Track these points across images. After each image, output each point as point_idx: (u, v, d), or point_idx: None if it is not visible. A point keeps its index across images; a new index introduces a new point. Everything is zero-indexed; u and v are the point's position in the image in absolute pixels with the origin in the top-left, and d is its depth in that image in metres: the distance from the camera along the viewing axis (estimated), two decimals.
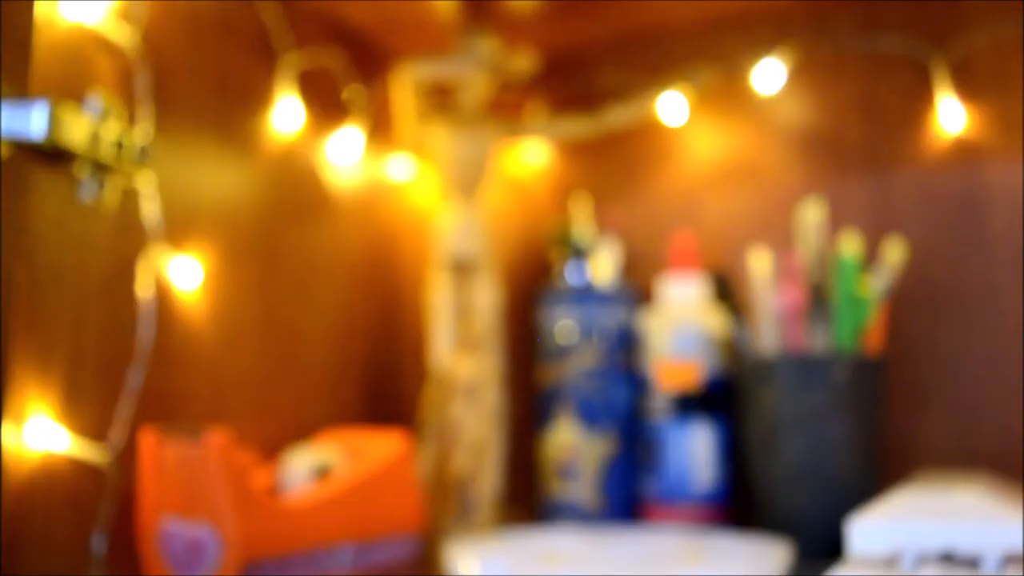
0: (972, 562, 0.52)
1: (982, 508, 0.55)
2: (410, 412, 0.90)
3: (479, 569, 0.62)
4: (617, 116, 0.89)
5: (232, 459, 0.59)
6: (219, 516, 0.58)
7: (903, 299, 0.82)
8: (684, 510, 0.80)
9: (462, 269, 0.86)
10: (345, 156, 0.88)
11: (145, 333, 0.65)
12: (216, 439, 0.58)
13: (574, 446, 0.84)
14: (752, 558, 0.61)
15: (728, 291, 0.81)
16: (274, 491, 0.70)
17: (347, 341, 0.88)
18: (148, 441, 0.61)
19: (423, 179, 0.96)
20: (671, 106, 0.89)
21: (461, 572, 0.63)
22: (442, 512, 0.81)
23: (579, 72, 0.97)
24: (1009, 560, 0.52)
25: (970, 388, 0.81)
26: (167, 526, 0.61)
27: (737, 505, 0.82)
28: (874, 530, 0.56)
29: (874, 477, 0.74)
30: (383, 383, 0.93)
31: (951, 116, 0.82)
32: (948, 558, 0.53)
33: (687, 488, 0.80)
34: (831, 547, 0.71)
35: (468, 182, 0.87)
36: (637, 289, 0.88)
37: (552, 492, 0.85)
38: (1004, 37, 0.82)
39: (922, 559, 0.53)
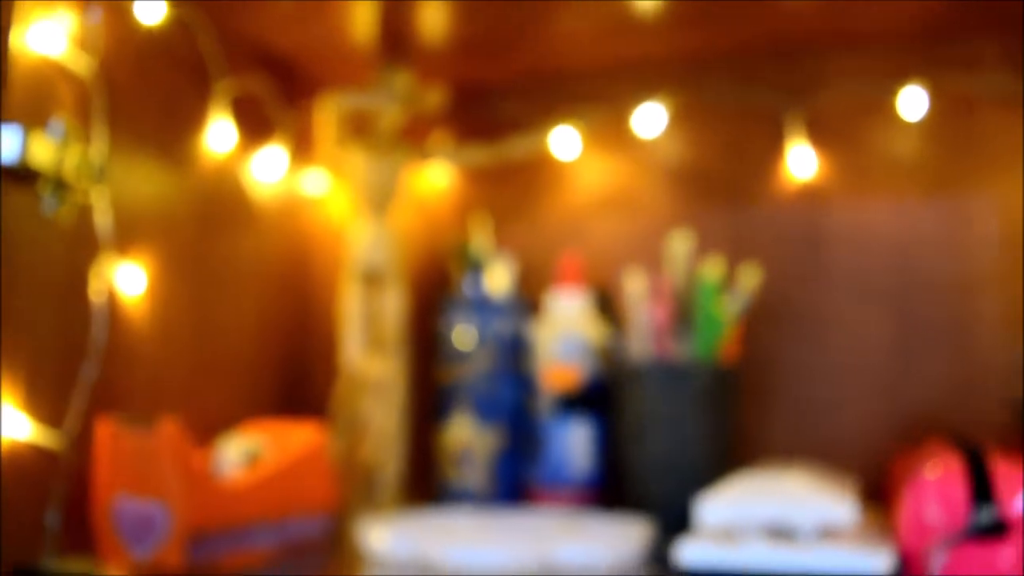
0: (792, 533, 0.65)
1: (804, 489, 0.68)
2: (322, 405, 1.00)
3: (385, 543, 0.73)
4: (516, 147, 1.01)
5: (181, 446, 0.68)
6: (169, 494, 0.67)
7: (755, 317, 0.96)
8: (564, 494, 0.92)
9: (372, 279, 0.96)
10: (269, 173, 0.97)
11: (98, 332, 0.74)
12: (167, 428, 0.67)
13: (469, 438, 0.95)
14: (620, 533, 0.73)
15: (607, 305, 0.94)
16: (210, 474, 0.79)
17: (266, 341, 0.98)
18: (104, 430, 0.70)
19: (339, 196, 1.05)
20: (564, 140, 1.01)
21: (369, 546, 0.73)
22: (352, 494, 0.91)
23: (484, 106, 1.08)
24: (825, 532, 0.66)
25: (809, 393, 0.96)
26: (120, 504, 0.69)
27: (609, 490, 0.94)
28: (716, 507, 0.68)
29: (725, 466, 0.86)
30: (298, 379, 1.03)
31: (802, 162, 0.97)
32: (776, 530, 0.66)
33: (566, 475, 0.92)
34: (686, 523, 0.83)
35: (379, 200, 0.97)
36: (528, 301, 1.00)
37: (449, 478, 0.96)
38: (854, 97, 0.96)
39: (754, 530, 0.66)
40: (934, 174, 0.95)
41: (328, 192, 1.06)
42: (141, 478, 0.69)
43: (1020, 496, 0.62)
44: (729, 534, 0.66)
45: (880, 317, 0.95)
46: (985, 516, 0.62)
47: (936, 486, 0.64)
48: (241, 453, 0.78)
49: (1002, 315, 0.91)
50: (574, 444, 0.93)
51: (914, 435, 0.91)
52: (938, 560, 0.63)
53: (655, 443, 0.87)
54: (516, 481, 0.95)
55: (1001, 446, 0.77)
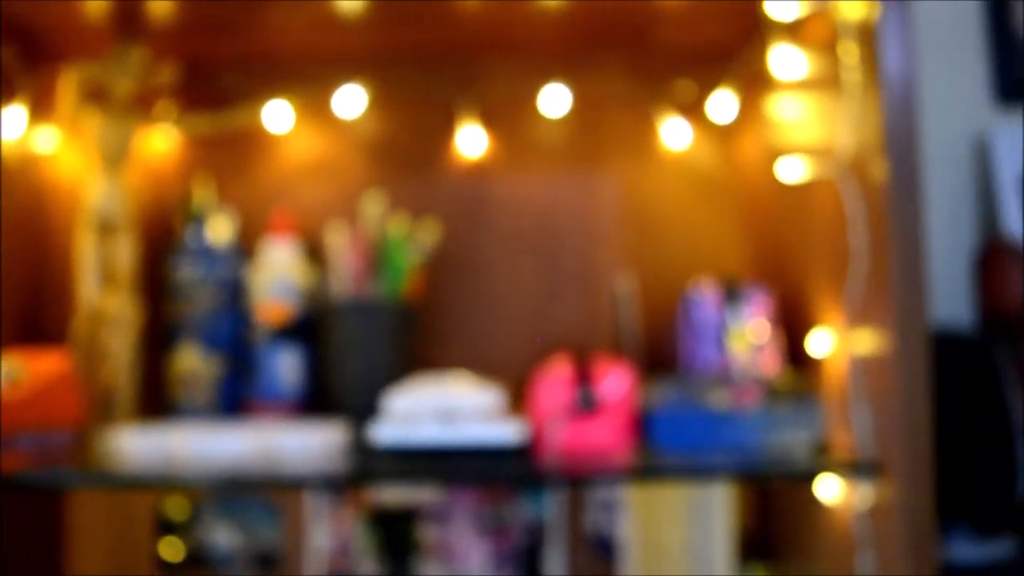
0: (453, 415, 0.90)
1: (462, 386, 0.93)
2: (62, 337, 1.13)
3: (129, 444, 0.90)
4: (235, 118, 1.19)
5: None
6: None
7: (433, 265, 1.20)
8: (277, 407, 1.12)
9: (105, 228, 1.11)
10: (10, 132, 1.09)
11: None
12: None
13: (195, 365, 1.13)
14: (328, 429, 0.95)
15: (313, 253, 1.14)
16: None
17: (8, 281, 1.10)
18: None
19: (76, 155, 1.18)
20: (278, 114, 1.20)
21: (112, 452, 0.90)
22: (93, 412, 1.07)
23: (208, 80, 1.24)
24: (476, 415, 0.91)
25: (475, 325, 1.21)
26: None
27: (315, 404, 1.15)
28: (400, 400, 0.92)
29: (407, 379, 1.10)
30: (40, 315, 1.16)
31: (472, 143, 1.21)
32: (442, 413, 0.90)
33: (279, 392, 1.12)
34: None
35: (113, 159, 1.11)
36: (246, 249, 1.18)
37: (177, 399, 1.13)
38: (512, 92, 1.22)
39: (427, 414, 0.90)
40: (572, 156, 1.23)
41: (65, 150, 1.19)
42: None
43: (607, 381, 0.90)
44: (409, 418, 0.90)
45: (529, 266, 1.22)
46: (584, 396, 0.90)
47: (552, 377, 0.91)
48: (8, 371, 0.92)
49: (617, 263, 1.21)
50: (285, 368, 1.13)
51: (553, 354, 1.20)
52: (555, 431, 0.90)
53: (352, 365, 1.09)
54: (236, 400, 1.14)
55: (607, 354, 1.06)
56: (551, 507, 1.20)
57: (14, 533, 1.10)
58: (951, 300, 1.27)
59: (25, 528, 1.13)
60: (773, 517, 1.15)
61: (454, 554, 1.20)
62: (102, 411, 1.07)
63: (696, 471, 0.83)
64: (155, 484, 0.84)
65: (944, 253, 1.30)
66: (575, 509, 1.20)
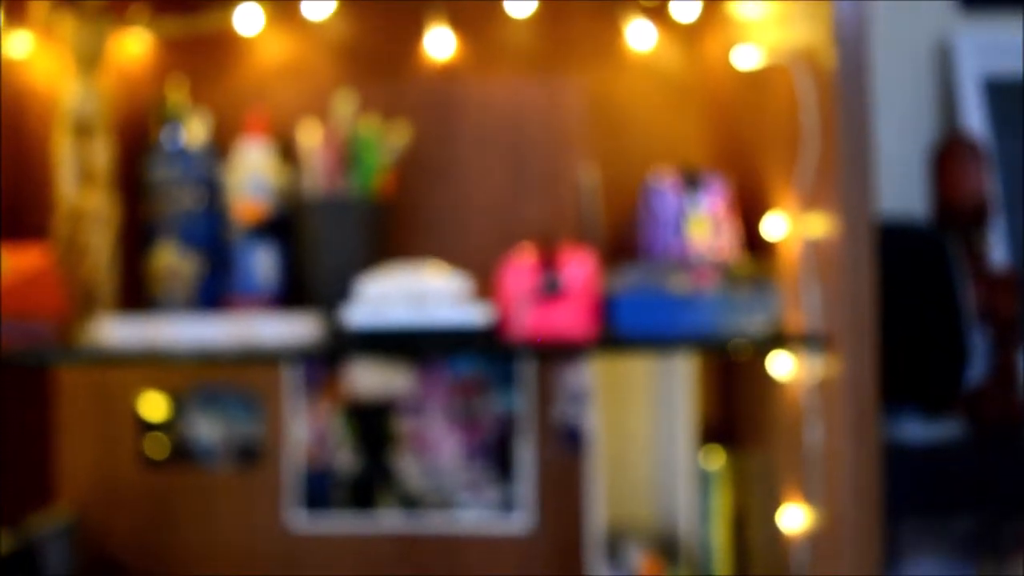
0: (424, 298, 0.93)
1: (432, 272, 0.96)
2: (42, 234, 1.16)
3: (113, 333, 0.93)
4: (206, 21, 1.20)
5: None
6: None
7: (404, 165, 1.23)
8: (254, 301, 1.15)
9: (82, 129, 1.13)
10: None
11: None
12: None
13: (173, 263, 1.16)
14: (304, 317, 0.98)
15: (287, 152, 1.17)
16: None
17: None
18: None
19: (51, 59, 1.20)
20: (248, 15, 1.21)
21: (95, 340, 0.94)
22: (75, 307, 1.10)
23: None
24: (446, 298, 0.94)
25: (446, 222, 1.25)
26: None
27: (292, 297, 1.18)
28: (371, 285, 0.95)
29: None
30: (21, 214, 1.18)
31: (441, 46, 1.23)
32: (413, 296, 0.94)
33: (256, 287, 1.15)
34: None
35: (87, 62, 1.13)
36: (221, 149, 1.21)
37: (156, 295, 1.16)
38: None
39: (398, 298, 0.94)
40: (539, 57, 1.25)
41: (39, 54, 1.20)
42: None
43: (571, 267, 0.94)
44: (380, 302, 0.93)
45: (497, 165, 1.25)
46: (548, 281, 0.93)
47: (518, 264, 0.95)
48: None
49: (581, 158, 1.24)
50: (261, 264, 1.16)
51: (519, 247, 1.23)
52: (521, 314, 0.94)
53: (326, 260, 1.12)
54: (214, 297, 1.17)
55: (572, 244, 1.09)
56: (521, 399, 1.24)
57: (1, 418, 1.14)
58: (907, 195, 1.31)
59: (13, 418, 1.17)
60: (732, 404, 1.20)
61: (427, 445, 1.25)
62: (83, 306, 1.10)
63: (659, 344, 0.88)
64: (137, 361, 0.88)
65: (903, 149, 1.34)
66: (544, 401, 1.25)
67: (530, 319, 0.94)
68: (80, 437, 1.26)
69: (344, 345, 0.90)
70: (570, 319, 0.95)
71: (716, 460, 1.14)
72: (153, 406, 1.26)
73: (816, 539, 0.91)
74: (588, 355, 0.91)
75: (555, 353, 0.88)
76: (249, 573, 1.25)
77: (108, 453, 1.27)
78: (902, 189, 1.32)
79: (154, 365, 1.25)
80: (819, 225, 0.89)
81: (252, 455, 1.26)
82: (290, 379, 1.25)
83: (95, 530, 1.26)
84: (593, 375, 1.14)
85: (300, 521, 1.25)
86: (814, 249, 0.90)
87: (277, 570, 1.25)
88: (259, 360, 0.87)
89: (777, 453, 1.02)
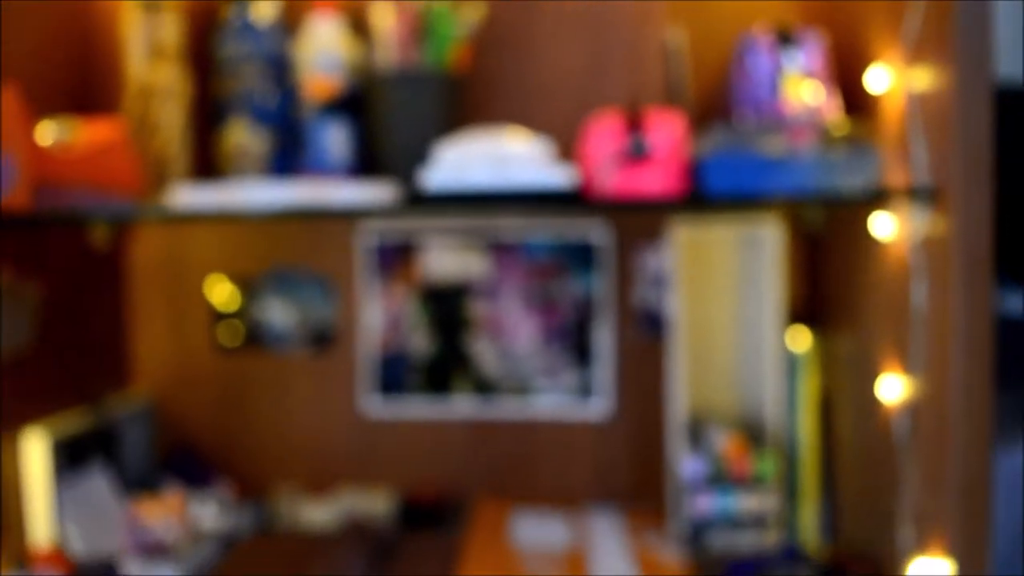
0: (507, 160, 0.90)
1: (514, 136, 0.93)
2: (114, 112, 1.15)
3: (189, 197, 0.91)
4: None
5: (24, 108, 0.83)
6: (19, 146, 0.82)
7: (481, 40, 1.18)
8: (329, 175, 1.12)
9: (150, 5, 1.10)
10: None
11: None
12: (11, 90, 0.82)
13: (244, 141, 1.14)
14: (380, 184, 0.95)
15: (359, 27, 1.13)
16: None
17: (60, 60, 1.10)
18: None
19: None
20: None
21: (177, 202, 0.92)
22: (148, 181, 1.08)
23: None
24: (529, 160, 0.91)
25: (524, 96, 1.20)
26: None
27: (365, 175, 1.15)
28: (451, 150, 0.92)
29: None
30: (92, 91, 1.17)
31: None
32: (495, 158, 0.90)
33: (328, 164, 1.13)
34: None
35: None
36: (292, 25, 1.17)
37: (229, 172, 1.14)
38: None
39: (479, 159, 0.90)
40: None
41: None
42: None
43: (658, 129, 0.90)
44: (460, 166, 0.90)
45: (579, 34, 1.19)
46: (635, 144, 0.89)
47: (604, 127, 0.91)
48: (59, 130, 0.93)
49: (666, 26, 1.18)
50: (334, 141, 1.13)
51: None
52: (606, 176, 0.90)
53: (399, 136, 1.08)
54: (286, 174, 1.15)
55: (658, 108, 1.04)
56: (599, 282, 1.21)
57: (76, 281, 1.14)
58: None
59: (92, 301, 1.17)
60: (820, 282, 1.15)
61: (503, 329, 1.22)
62: (156, 181, 1.08)
63: (751, 201, 0.84)
64: (212, 219, 0.86)
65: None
66: (623, 284, 1.21)
67: (615, 182, 0.90)
68: (155, 323, 1.26)
69: (422, 204, 0.88)
70: (657, 181, 0.90)
71: (803, 342, 1.10)
72: (226, 292, 1.25)
73: (919, 412, 0.87)
74: (675, 210, 0.87)
75: (642, 208, 0.84)
76: (323, 458, 1.24)
77: (183, 338, 1.26)
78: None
79: (227, 224, 1.23)
80: (928, 78, 0.83)
81: (326, 340, 1.24)
82: (364, 263, 1.22)
83: (171, 414, 1.26)
84: (674, 256, 1.10)
85: (374, 406, 1.24)
86: (921, 103, 0.85)
87: (351, 455, 1.24)
88: (334, 216, 0.85)
89: (873, 325, 0.97)
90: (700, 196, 0.88)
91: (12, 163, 0.83)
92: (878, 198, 0.86)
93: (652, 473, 1.19)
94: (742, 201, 0.86)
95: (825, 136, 0.89)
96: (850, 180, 0.89)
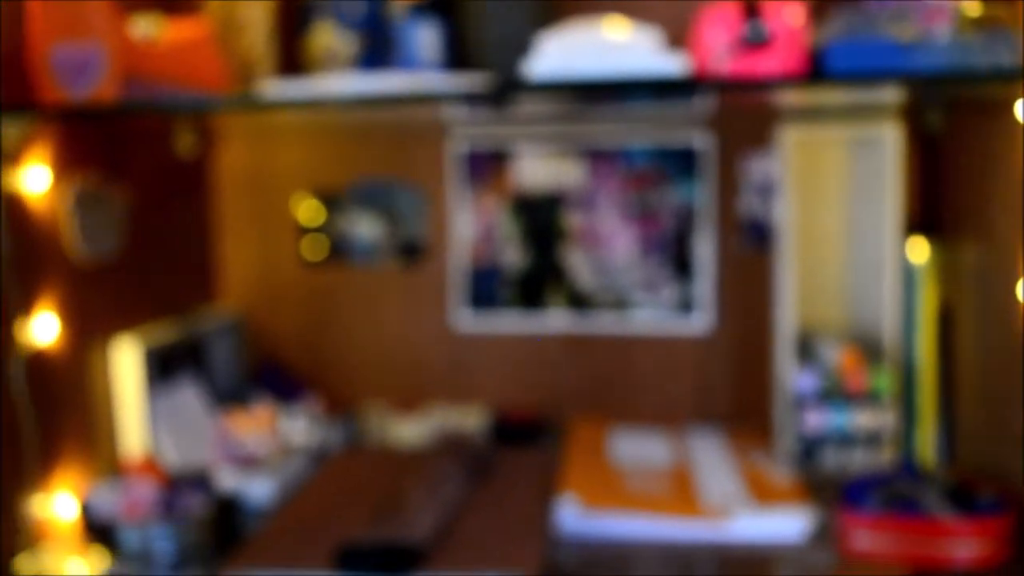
0: (610, 49, 0.84)
1: (618, 18, 0.87)
2: (200, 8, 1.11)
3: (280, 89, 0.87)
4: None
5: (113, 2, 0.79)
6: (107, 37, 0.79)
7: None
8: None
9: None
10: None
11: None
12: None
13: (332, 44, 1.09)
14: (469, 77, 0.90)
15: None
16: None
17: None
18: None
19: None
20: None
21: (269, 93, 0.88)
22: (233, 77, 1.04)
23: None
24: (642, 48, 0.85)
25: None
26: (57, 51, 0.80)
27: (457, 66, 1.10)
28: (554, 36, 0.86)
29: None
30: None
31: None
32: (598, 47, 0.84)
33: (419, 66, 1.08)
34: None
35: None
36: None
37: (316, 73, 1.10)
38: None
39: (582, 49, 0.84)
40: None
41: None
42: (76, 26, 0.80)
43: (778, 13, 0.83)
44: (564, 54, 0.84)
45: None
46: (753, 29, 0.83)
47: (719, 13, 0.84)
48: (146, 27, 0.89)
49: None
50: (424, 42, 1.08)
51: None
52: (722, 61, 0.83)
53: (492, 34, 1.03)
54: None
55: None
56: (701, 191, 1.14)
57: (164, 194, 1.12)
58: None
59: (179, 214, 1.14)
60: (941, 190, 1.07)
61: (599, 241, 1.17)
62: (242, 81, 1.05)
63: (886, 76, 0.77)
64: (301, 107, 0.82)
65: None
66: (727, 193, 1.15)
67: (731, 69, 0.83)
68: (242, 236, 1.23)
69: (523, 91, 0.83)
70: (776, 69, 0.84)
71: (921, 253, 1.03)
72: (311, 207, 1.22)
73: None
74: (791, 87, 0.81)
75: (763, 88, 0.78)
76: (413, 373, 1.21)
77: (269, 252, 1.23)
78: None
79: (313, 136, 1.20)
80: None
81: (415, 252, 1.20)
82: (454, 172, 1.18)
83: (259, 328, 1.24)
84: (784, 160, 1.04)
85: (465, 320, 1.20)
86: None
87: (441, 371, 1.21)
88: (425, 100, 0.80)
89: (1005, 231, 0.90)
90: (826, 76, 0.81)
91: (101, 55, 0.79)
92: (1020, 77, 0.79)
93: (756, 391, 1.14)
94: (874, 81, 0.80)
95: (959, 19, 0.82)
96: (986, 65, 0.81)
